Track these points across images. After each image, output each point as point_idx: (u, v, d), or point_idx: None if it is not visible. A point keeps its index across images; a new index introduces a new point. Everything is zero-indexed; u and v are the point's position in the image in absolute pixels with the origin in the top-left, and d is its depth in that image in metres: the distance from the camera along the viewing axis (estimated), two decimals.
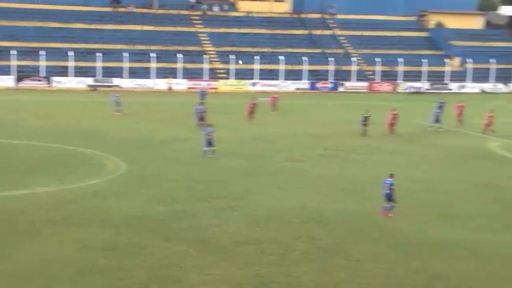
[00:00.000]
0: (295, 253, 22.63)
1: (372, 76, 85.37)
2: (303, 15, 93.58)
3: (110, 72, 79.83)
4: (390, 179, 27.27)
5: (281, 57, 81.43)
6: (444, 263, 22.22)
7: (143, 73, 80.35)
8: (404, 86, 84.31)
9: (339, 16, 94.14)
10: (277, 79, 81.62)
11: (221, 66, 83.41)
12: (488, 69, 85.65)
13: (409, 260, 22.38)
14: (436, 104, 54.44)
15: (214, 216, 26.62)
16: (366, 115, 47.49)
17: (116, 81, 79.10)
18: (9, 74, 77.34)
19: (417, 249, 23.59)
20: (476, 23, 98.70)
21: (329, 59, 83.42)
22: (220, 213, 27.06)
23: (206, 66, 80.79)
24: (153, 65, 79.58)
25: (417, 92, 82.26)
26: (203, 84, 76.22)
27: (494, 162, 39.92)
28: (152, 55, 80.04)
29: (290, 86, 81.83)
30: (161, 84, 79.49)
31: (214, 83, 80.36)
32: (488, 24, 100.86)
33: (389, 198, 27.08)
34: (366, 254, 22.81)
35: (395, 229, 25.71)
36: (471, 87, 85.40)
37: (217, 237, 23.98)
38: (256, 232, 24.79)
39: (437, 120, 51.18)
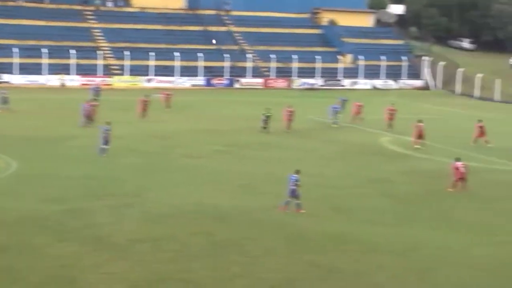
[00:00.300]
0: (191, 250, 22.65)
1: (267, 73, 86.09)
2: (199, 11, 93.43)
3: None
4: (296, 175, 27.67)
5: (177, 54, 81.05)
6: (339, 256, 22.69)
7: (35, 69, 78.38)
8: (299, 82, 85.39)
9: (234, 13, 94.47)
10: (173, 75, 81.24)
11: (116, 62, 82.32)
12: (379, 66, 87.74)
13: (304, 254, 22.74)
14: (339, 101, 55.52)
15: (110, 214, 26.31)
16: (267, 114, 47.68)
17: (5, 77, 76.82)
18: None
19: (312, 243, 23.99)
20: (367, 21, 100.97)
21: (225, 55, 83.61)
22: (116, 211, 26.77)
23: (100, 62, 79.56)
24: (45, 60, 77.74)
25: (311, 89, 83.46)
26: (97, 80, 75.04)
27: (385, 157, 40.99)
28: (44, 50, 78.16)
29: (186, 82, 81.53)
30: (53, 80, 77.76)
31: (108, 80, 79.24)
32: (378, 22, 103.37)
33: (294, 194, 27.46)
34: (262, 249, 23.04)
35: (291, 224, 26.06)
36: (363, 83, 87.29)
37: (113, 235, 23.71)
38: (152, 229, 24.65)
39: (335, 116, 51.95)
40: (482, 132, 45.10)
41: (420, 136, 43.73)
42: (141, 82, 79.73)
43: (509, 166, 39.46)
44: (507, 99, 76.47)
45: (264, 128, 47.41)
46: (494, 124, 50.75)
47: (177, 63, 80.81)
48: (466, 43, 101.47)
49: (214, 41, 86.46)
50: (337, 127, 51.08)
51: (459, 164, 32.41)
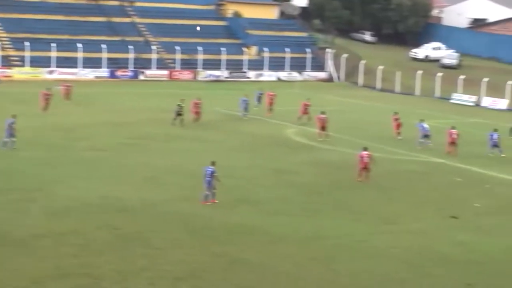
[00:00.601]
0: (96, 244, 22.41)
1: (173, 64, 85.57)
2: (101, 2, 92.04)
3: None
4: (212, 167, 27.70)
5: (79, 45, 79.60)
6: (244, 247, 22.87)
7: None
8: (204, 74, 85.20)
9: (138, 4, 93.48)
10: (76, 67, 79.79)
11: (15, 53, 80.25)
12: (284, 58, 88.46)
13: (209, 245, 22.81)
14: (255, 94, 55.81)
15: (11, 209, 25.73)
16: (181, 105, 47.36)
17: None
18: None
19: (217, 234, 24.10)
20: (271, 13, 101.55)
21: (129, 47, 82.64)
22: (18, 205, 26.19)
23: None
24: None
25: (217, 81, 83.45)
26: None
27: (290, 148, 41.44)
28: None
29: (89, 74, 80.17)
30: None
31: (8, 71, 77.18)
32: (282, 14, 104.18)
33: (210, 185, 27.50)
34: (167, 241, 23.02)
35: (196, 215, 26.10)
36: (268, 75, 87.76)
37: (14, 231, 23.20)
38: (55, 223, 24.25)
39: (245, 108, 52.07)
40: (398, 124, 45.72)
41: (323, 127, 44.35)
42: (43, 73, 77.95)
43: (410, 157, 40.53)
44: (407, 91, 78.41)
45: (175, 119, 46.83)
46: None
47: (80, 55, 79.39)
48: (367, 36, 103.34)
49: (198, 28, 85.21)
50: (246, 119, 51.24)
51: (364, 153, 33.09)
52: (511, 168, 38.52)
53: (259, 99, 56.43)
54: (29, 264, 20.27)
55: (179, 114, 47.00)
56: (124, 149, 38.66)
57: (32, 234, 22.96)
